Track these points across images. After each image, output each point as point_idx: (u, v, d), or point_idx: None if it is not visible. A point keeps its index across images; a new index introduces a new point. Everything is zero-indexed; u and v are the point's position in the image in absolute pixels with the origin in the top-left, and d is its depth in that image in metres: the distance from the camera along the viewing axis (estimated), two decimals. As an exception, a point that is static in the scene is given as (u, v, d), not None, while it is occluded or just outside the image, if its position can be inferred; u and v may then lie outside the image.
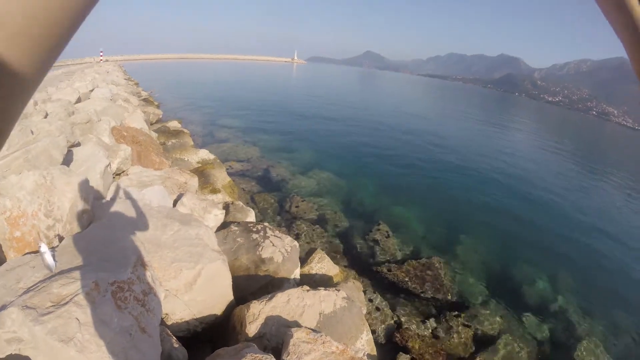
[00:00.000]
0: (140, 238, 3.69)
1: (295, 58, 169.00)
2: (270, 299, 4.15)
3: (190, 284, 3.76)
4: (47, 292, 2.28)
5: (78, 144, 6.62)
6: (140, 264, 2.95)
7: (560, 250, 10.37)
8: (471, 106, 69.84)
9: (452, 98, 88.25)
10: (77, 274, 2.46)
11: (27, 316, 2.08)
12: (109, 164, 5.89)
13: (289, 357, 3.26)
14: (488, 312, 7.10)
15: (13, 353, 2.06)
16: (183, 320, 3.78)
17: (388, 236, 9.03)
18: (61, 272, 2.52)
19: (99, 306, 2.26)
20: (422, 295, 7.13)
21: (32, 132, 6.44)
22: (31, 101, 10.69)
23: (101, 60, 58.84)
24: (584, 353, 6.63)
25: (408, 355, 5.68)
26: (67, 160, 5.54)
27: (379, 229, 9.23)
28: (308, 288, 4.52)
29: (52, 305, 2.18)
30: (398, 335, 6.02)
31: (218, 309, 4.17)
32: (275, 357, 3.14)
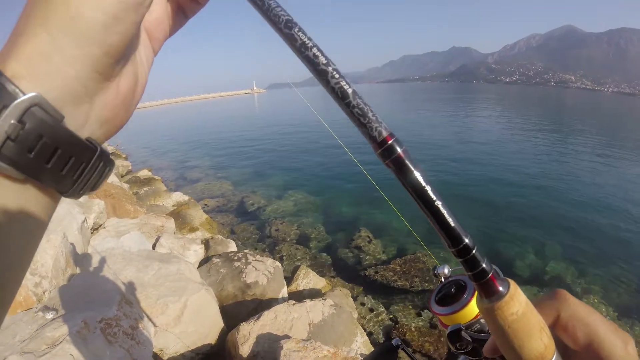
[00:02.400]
0: (123, 281, 3.84)
1: (255, 88, 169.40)
2: (258, 318, 4.30)
3: (178, 317, 3.90)
4: (41, 337, 2.42)
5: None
6: (125, 302, 3.10)
7: (543, 220, 10.65)
8: (430, 102, 71.10)
9: (411, 99, 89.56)
10: (66, 317, 2.62)
11: (25, 361, 2.23)
12: (85, 219, 5.99)
13: (282, 367, 3.41)
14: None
15: (16, 399, 2.20)
16: (178, 353, 3.90)
17: (370, 240, 9.21)
18: (52, 320, 2.67)
19: (90, 342, 2.42)
20: (412, 289, 7.28)
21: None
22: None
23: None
24: None
25: (409, 348, 5.80)
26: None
27: (360, 236, 9.41)
28: (294, 302, 4.68)
29: (47, 347, 2.33)
30: (395, 332, 6.15)
31: (211, 337, 4.31)
32: (270, 372, 3.28)
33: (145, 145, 29.34)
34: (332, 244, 9.38)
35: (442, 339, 5.98)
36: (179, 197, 11.58)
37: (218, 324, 4.47)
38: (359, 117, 0.39)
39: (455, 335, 0.65)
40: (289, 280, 6.61)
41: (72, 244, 4.55)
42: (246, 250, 6.58)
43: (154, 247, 6.07)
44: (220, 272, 5.77)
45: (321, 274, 7.42)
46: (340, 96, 0.39)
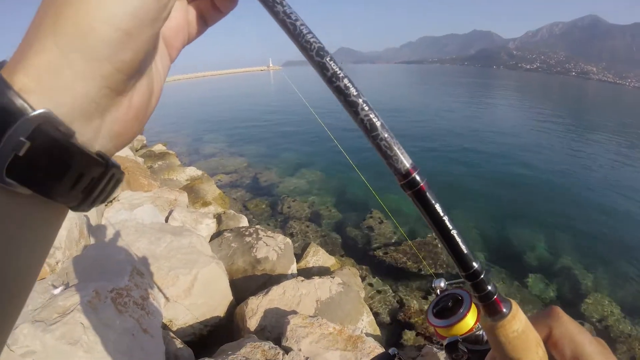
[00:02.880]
0: (135, 252, 3.91)
1: (271, 65, 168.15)
2: (267, 292, 4.36)
3: (189, 289, 3.97)
4: (53, 306, 2.49)
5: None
6: (137, 273, 3.16)
7: (556, 211, 10.51)
8: (448, 85, 69.97)
9: (430, 81, 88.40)
10: (78, 287, 2.68)
11: (37, 328, 2.28)
12: (99, 192, 6.08)
13: (287, 342, 3.47)
14: (490, 277, 7.29)
15: (28, 365, 2.27)
16: (187, 324, 3.99)
17: (381, 221, 9.20)
18: (64, 290, 2.74)
19: (101, 312, 2.48)
20: (420, 272, 7.28)
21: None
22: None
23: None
24: (591, 307, 6.79)
25: (413, 331, 5.85)
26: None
27: (371, 216, 9.41)
28: (302, 279, 4.74)
29: (59, 316, 2.40)
30: (401, 314, 6.18)
31: (220, 310, 4.38)
32: (275, 345, 3.33)
33: (160, 119, 29.45)
34: (343, 223, 9.40)
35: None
36: (192, 171, 11.65)
37: (227, 297, 4.54)
38: (385, 150, 0.41)
39: (452, 346, 0.68)
40: (298, 257, 6.67)
41: (85, 215, 4.62)
42: (257, 226, 6.63)
43: (166, 220, 6.15)
44: (231, 247, 5.84)
45: (331, 252, 7.46)
46: (368, 129, 0.41)
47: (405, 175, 0.42)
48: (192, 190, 9.36)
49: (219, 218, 7.40)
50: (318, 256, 6.72)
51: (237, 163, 14.68)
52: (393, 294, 6.72)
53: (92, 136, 0.34)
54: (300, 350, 3.35)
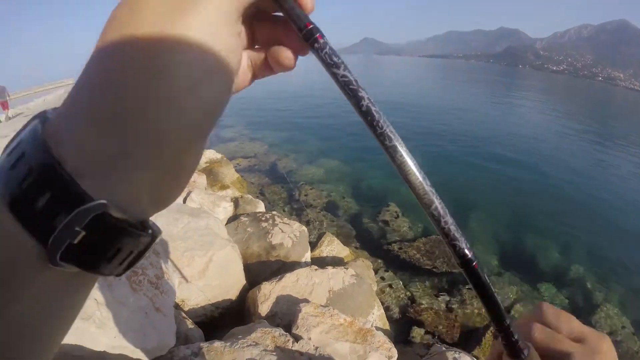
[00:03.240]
0: (152, 231, 3.92)
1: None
2: (280, 279, 4.36)
3: (203, 271, 3.99)
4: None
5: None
6: (153, 252, 3.17)
7: (573, 220, 10.32)
8: (474, 82, 68.95)
9: (454, 76, 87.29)
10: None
11: (51, 301, 2.30)
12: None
13: (298, 330, 3.46)
14: (503, 282, 7.20)
15: (37, 337, 2.28)
16: (199, 305, 4.01)
17: (397, 216, 9.15)
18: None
19: (115, 288, 2.48)
20: (434, 270, 7.26)
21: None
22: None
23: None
24: (602, 320, 6.69)
25: (422, 329, 5.82)
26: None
27: (388, 210, 9.36)
28: (316, 267, 4.72)
29: (73, 289, 2.41)
30: (411, 310, 6.17)
31: (232, 293, 4.40)
32: (285, 332, 3.33)
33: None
34: (359, 214, 9.37)
35: (455, 325, 5.98)
36: (211, 154, 11.68)
37: (240, 280, 4.56)
38: (447, 234, 0.46)
39: None
40: (313, 245, 6.65)
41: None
42: (274, 212, 6.64)
43: (184, 201, 6.17)
44: (247, 231, 5.85)
45: (345, 243, 7.44)
46: (436, 216, 0.46)
47: (464, 262, 0.47)
48: (210, 172, 9.39)
49: (236, 202, 7.42)
50: (332, 246, 6.70)
51: (257, 148, 14.70)
52: (404, 290, 6.70)
53: (140, 212, 0.34)
54: (310, 339, 3.34)
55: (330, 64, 0.43)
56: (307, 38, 0.42)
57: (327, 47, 0.43)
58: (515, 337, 0.50)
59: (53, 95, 32.49)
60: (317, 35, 0.42)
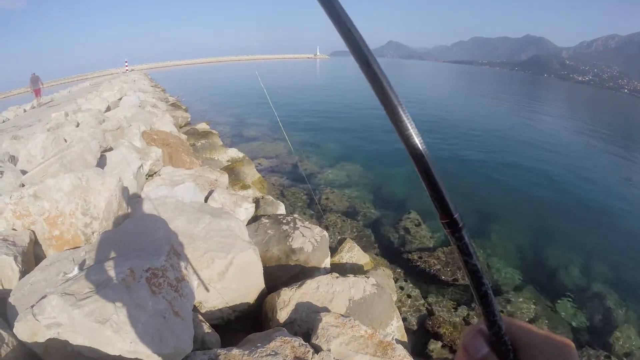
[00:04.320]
0: (173, 230, 3.85)
1: (318, 54, 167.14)
2: (300, 286, 4.26)
3: (223, 273, 3.90)
4: (85, 280, 2.43)
5: (110, 149, 6.87)
6: (174, 253, 3.09)
7: (596, 237, 10.00)
8: (499, 90, 68.00)
9: (480, 83, 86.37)
10: (113, 263, 2.62)
11: (66, 302, 2.23)
12: (141, 165, 6.10)
13: (318, 340, 3.35)
14: (522, 298, 7.01)
15: (52, 337, 2.21)
16: (216, 308, 3.92)
17: (419, 224, 8.98)
18: (98, 263, 2.69)
19: (134, 291, 2.41)
20: (454, 282, 7.08)
21: (65, 140, 6.73)
22: (62, 112, 11.11)
23: (127, 70, 60.52)
24: (621, 340, 6.46)
25: (439, 342, 5.68)
26: (101, 163, 5.78)
27: (409, 218, 9.20)
28: (337, 275, 4.60)
29: (90, 291, 2.33)
30: (429, 322, 6.01)
31: (250, 297, 4.30)
32: (305, 342, 3.23)
33: (205, 99, 29.89)
34: (379, 221, 9.24)
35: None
36: (234, 153, 11.70)
37: (259, 284, 4.46)
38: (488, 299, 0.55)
39: None
40: (333, 250, 6.53)
41: (126, 187, 4.61)
42: (295, 215, 6.53)
43: (206, 200, 6.12)
44: (267, 233, 5.77)
45: (365, 249, 7.31)
46: (474, 281, 0.55)
47: (450, 216, 0.51)
48: (232, 171, 9.37)
49: (257, 203, 7.35)
50: (353, 252, 6.58)
51: (279, 149, 14.69)
52: (423, 301, 6.54)
53: None
54: (329, 350, 3.24)
55: (465, 253, 0.53)
56: (451, 226, 0.51)
57: (466, 238, 0.52)
58: (506, 336, 0.54)
59: (78, 87, 33.09)
60: (460, 225, 0.51)
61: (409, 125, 0.49)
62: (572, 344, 0.54)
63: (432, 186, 0.51)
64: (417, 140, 0.49)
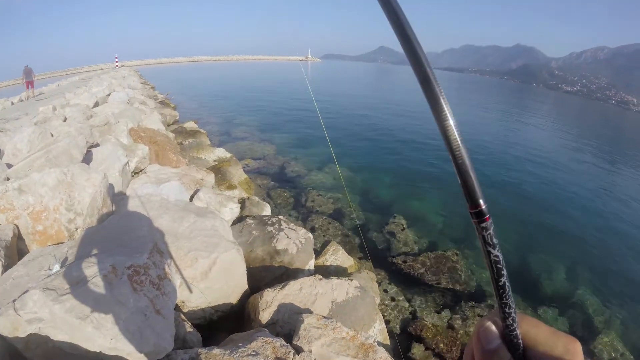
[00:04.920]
0: (157, 228, 3.85)
1: (309, 56, 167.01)
2: (283, 287, 4.27)
3: (206, 272, 3.90)
4: (67, 276, 2.42)
5: (97, 145, 6.82)
6: (157, 251, 3.09)
7: (579, 244, 10.12)
8: (488, 98, 68.38)
9: (469, 90, 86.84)
10: (95, 259, 2.61)
11: (48, 297, 2.22)
12: (127, 163, 6.07)
13: (299, 341, 3.36)
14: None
15: (33, 332, 2.20)
16: (199, 307, 3.92)
17: (404, 229, 9.04)
18: (80, 258, 2.68)
19: (116, 287, 2.40)
20: (438, 286, 7.14)
21: (52, 135, 6.67)
22: (50, 106, 11.00)
23: (117, 65, 60.10)
24: (602, 346, 6.54)
25: (422, 345, 5.71)
26: (87, 159, 5.73)
27: (394, 222, 9.26)
28: (321, 277, 4.62)
29: (72, 287, 2.33)
30: (413, 326, 6.05)
31: (233, 297, 4.30)
32: (286, 342, 3.23)
33: (194, 97, 29.77)
34: (365, 224, 9.28)
35: (457, 342, 5.86)
36: (221, 153, 11.67)
37: (242, 285, 4.46)
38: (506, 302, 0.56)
39: None
40: (317, 253, 6.56)
41: (111, 184, 4.59)
42: (280, 217, 6.54)
43: (191, 199, 6.11)
44: (252, 234, 5.77)
45: (350, 252, 7.34)
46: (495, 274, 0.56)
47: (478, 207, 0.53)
48: (219, 171, 9.35)
49: (242, 203, 7.35)
50: (337, 255, 6.60)
51: (266, 150, 14.70)
52: (407, 304, 6.59)
53: None
54: (311, 351, 3.25)
55: (489, 243, 0.54)
56: (478, 216, 0.53)
57: (491, 229, 0.53)
58: (517, 330, 0.56)
59: (67, 82, 32.76)
60: (487, 217, 0.53)
61: (449, 116, 0.50)
62: (577, 341, 0.55)
63: (464, 177, 0.52)
64: (456, 132, 0.51)
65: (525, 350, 0.56)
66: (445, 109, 0.50)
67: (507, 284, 0.56)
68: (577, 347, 0.54)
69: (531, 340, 0.56)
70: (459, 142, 0.51)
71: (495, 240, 0.54)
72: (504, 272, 0.55)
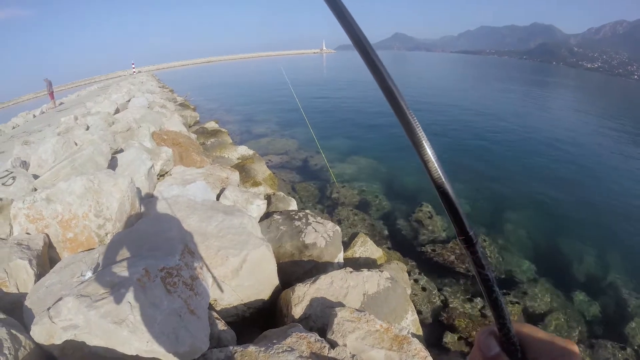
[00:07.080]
0: (186, 229, 3.86)
1: (324, 48, 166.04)
2: (314, 281, 4.24)
3: (237, 270, 3.90)
4: (100, 281, 2.44)
5: (121, 150, 6.90)
6: (187, 251, 3.10)
7: (611, 227, 9.78)
8: (508, 79, 66.99)
9: (488, 72, 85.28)
10: (127, 263, 2.63)
11: (82, 303, 2.24)
12: (152, 166, 6.12)
13: (333, 335, 3.34)
14: (537, 289, 6.92)
15: (69, 339, 2.22)
16: (231, 305, 3.93)
17: (431, 216, 8.93)
18: (113, 264, 2.70)
19: (149, 290, 2.41)
20: (468, 274, 7.03)
21: (75, 144, 6.77)
22: (71, 116, 11.19)
23: (134, 72, 60.95)
24: (636, 331, 6.37)
25: (455, 334, 5.64)
26: (112, 165, 5.80)
27: (421, 210, 9.14)
28: (351, 270, 4.58)
29: (105, 292, 2.34)
30: (444, 315, 5.98)
31: (265, 294, 4.30)
32: (320, 337, 3.21)
33: (213, 98, 29.98)
34: (391, 214, 9.19)
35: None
36: (244, 150, 11.72)
37: (273, 281, 4.46)
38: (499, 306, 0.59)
39: None
40: (345, 245, 6.52)
41: (138, 188, 4.63)
42: (307, 211, 6.52)
43: (218, 198, 6.13)
44: (280, 229, 5.76)
45: (378, 243, 7.29)
46: (486, 288, 0.60)
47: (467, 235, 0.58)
48: (242, 169, 9.37)
49: (268, 199, 7.35)
50: (366, 247, 6.56)
51: (288, 145, 14.71)
52: (438, 293, 6.50)
53: None
54: (345, 345, 3.23)
55: (479, 265, 0.59)
56: (467, 242, 0.57)
57: (479, 252, 0.58)
58: (514, 338, 0.59)
59: (87, 91, 33.34)
60: (475, 241, 0.57)
61: (431, 156, 0.56)
62: (575, 346, 0.58)
63: (451, 210, 0.57)
64: (439, 170, 0.56)
65: (524, 355, 0.59)
66: (428, 148, 0.56)
67: (499, 298, 0.59)
68: (574, 349, 0.57)
69: (531, 345, 0.60)
70: (442, 178, 0.56)
71: (484, 262, 0.59)
72: (495, 288, 0.59)
